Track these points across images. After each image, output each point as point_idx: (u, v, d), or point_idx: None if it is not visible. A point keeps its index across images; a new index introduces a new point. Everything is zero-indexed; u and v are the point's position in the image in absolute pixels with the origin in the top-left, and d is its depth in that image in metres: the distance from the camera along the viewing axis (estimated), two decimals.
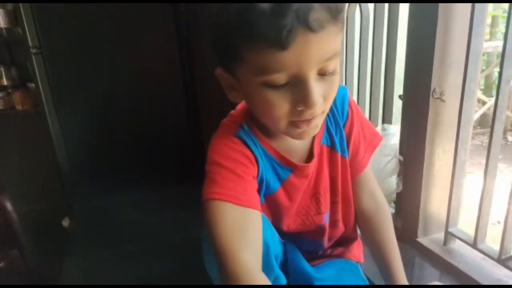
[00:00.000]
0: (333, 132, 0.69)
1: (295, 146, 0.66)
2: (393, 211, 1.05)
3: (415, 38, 0.89)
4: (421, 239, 0.94)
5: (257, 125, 0.63)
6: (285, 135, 0.60)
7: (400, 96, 0.98)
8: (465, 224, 0.94)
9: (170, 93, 2.02)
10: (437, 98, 0.84)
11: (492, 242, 0.94)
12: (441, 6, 0.80)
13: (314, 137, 0.67)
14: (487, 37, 2.71)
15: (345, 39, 1.16)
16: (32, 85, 2.36)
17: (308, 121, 0.55)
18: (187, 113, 2.06)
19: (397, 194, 1.03)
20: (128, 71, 1.93)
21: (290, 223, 0.72)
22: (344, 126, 0.70)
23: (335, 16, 0.48)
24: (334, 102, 0.67)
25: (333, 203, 0.73)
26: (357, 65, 1.18)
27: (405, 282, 0.74)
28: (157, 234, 1.32)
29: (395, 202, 1.05)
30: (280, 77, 0.50)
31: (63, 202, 2.26)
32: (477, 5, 0.76)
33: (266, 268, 0.62)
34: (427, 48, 0.84)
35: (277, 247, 0.68)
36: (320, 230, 0.75)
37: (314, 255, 0.81)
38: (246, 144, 0.62)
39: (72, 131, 2.02)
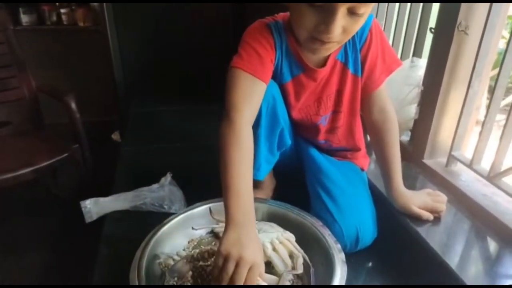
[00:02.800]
0: (349, 52, 0.82)
1: (314, 55, 0.80)
2: (408, 138, 1.17)
3: None
4: (427, 161, 1.06)
5: (291, 29, 0.77)
6: (303, 46, 0.75)
7: (431, 29, 1.05)
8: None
9: (220, 20, 2.17)
10: (461, 31, 0.92)
11: None
12: None
13: (332, 53, 0.80)
14: None
15: None
16: (94, 4, 2.55)
17: (323, 42, 0.69)
18: (233, 40, 2.20)
19: (414, 121, 1.13)
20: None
21: (294, 114, 0.89)
22: (361, 48, 0.83)
23: None
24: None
25: (336, 112, 0.89)
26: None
27: (400, 182, 0.88)
28: (199, 137, 1.51)
29: (411, 130, 1.16)
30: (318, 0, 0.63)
31: (115, 117, 2.51)
32: None
33: (273, 119, 0.82)
34: None
35: (282, 106, 0.85)
36: (315, 128, 0.91)
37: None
38: (272, 34, 0.78)
39: (129, 50, 2.20)
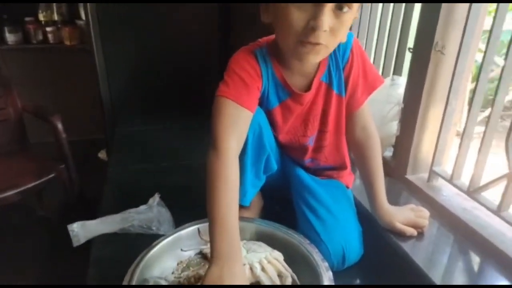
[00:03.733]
0: (333, 73, 0.84)
1: (299, 78, 0.83)
2: (391, 154, 1.20)
3: None
4: (409, 176, 1.09)
5: (275, 53, 0.80)
6: (292, 54, 0.75)
7: (409, 49, 1.10)
8: None
9: (205, 39, 2.20)
10: (438, 51, 0.96)
11: None
12: None
13: (315, 74, 0.83)
14: None
15: None
16: (80, 22, 2.56)
17: (312, 44, 0.69)
18: (219, 59, 2.24)
19: (396, 138, 1.16)
20: (170, 17, 2.13)
21: (281, 137, 0.91)
22: (344, 68, 0.84)
23: None
24: (338, 47, 0.81)
25: (322, 131, 0.91)
26: (379, 21, 1.28)
27: (384, 199, 0.90)
28: (186, 156, 1.51)
29: (393, 146, 1.19)
30: None
31: (102, 135, 2.50)
32: None
33: (259, 146, 0.83)
34: (435, 7, 0.94)
35: (269, 133, 0.86)
36: (303, 149, 0.93)
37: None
38: (257, 61, 0.79)
39: (115, 69, 2.21)
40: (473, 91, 0.91)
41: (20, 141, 1.93)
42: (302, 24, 0.68)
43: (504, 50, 0.82)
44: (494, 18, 0.83)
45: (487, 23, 0.90)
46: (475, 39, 0.94)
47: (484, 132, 0.88)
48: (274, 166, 0.92)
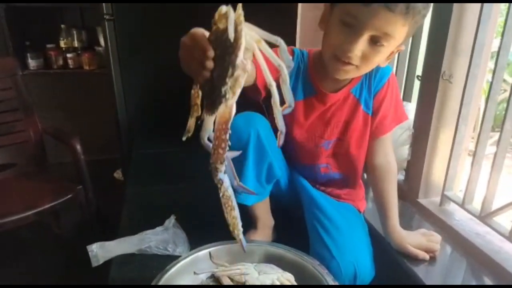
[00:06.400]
0: (364, 91, 0.91)
1: (331, 82, 0.89)
2: (403, 178, 1.21)
3: (433, 29, 1.03)
4: (421, 200, 1.11)
5: (316, 58, 0.88)
6: (327, 65, 0.83)
7: (418, 77, 1.13)
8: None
9: None
10: (446, 79, 0.99)
11: None
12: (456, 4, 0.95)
13: (347, 84, 0.90)
14: None
15: None
16: (99, 48, 2.66)
17: (344, 62, 0.77)
18: None
19: (408, 162, 1.18)
20: None
21: (299, 133, 0.95)
22: (376, 93, 0.91)
23: (407, 13, 0.70)
24: (375, 74, 0.89)
25: (340, 139, 0.95)
26: None
27: (396, 222, 0.92)
28: (202, 178, 1.54)
29: (405, 170, 1.21)
30: (351, 21, 0.73)
31: (118, 156, 2.56)
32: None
33: (260, 148, 0.87)
34: (442, 37, 0.98)
35: (271, 140, 0.89)
36: (316, 151, 0.96)
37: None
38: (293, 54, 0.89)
39: (132, 90, 2.27)
40: (482, 118, 0.94)
41: (39, 162, 1.98)
42: (340, 43, 0.76)
43: None
44: (499, 50, 0.87)
45: (496, 44, 0.93)
46: (481, 71, 0.97)
47: (494, 159, 0.90)
48: (278, 172, 0.93)
